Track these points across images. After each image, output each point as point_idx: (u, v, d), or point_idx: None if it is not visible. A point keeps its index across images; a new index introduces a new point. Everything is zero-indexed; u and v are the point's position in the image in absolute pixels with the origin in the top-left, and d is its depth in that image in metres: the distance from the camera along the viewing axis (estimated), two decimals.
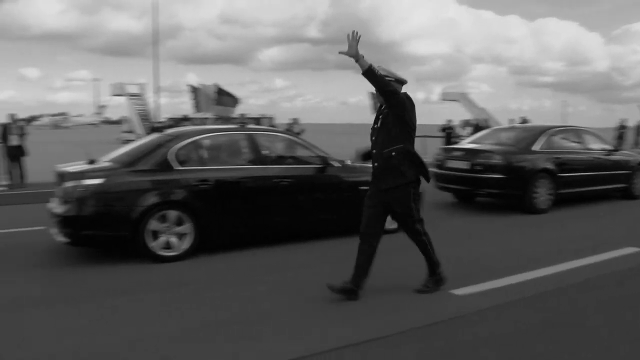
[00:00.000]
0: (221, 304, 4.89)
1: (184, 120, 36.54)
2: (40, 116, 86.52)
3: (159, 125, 24.50)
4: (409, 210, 4.94)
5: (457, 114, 56.43)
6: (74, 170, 6.39)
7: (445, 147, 11.95)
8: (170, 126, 18.33)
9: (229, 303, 4.89)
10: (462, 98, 46.37)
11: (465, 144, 11.41)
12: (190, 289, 5.33)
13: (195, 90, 24.62)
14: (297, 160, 7.55)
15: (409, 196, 4.92)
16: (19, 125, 14.02)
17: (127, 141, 34.24)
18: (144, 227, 6.08)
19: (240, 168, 6.95)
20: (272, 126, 25.69)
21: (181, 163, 6.48)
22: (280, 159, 7.50)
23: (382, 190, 4.89)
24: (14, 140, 13.68)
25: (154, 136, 7.39)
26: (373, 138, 4.99)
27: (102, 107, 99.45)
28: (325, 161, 7.30)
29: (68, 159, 7.73)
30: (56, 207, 6.36)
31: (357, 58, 4.52)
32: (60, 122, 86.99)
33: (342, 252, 6.06)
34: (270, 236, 7.03)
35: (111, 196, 6.14)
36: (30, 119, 17.90)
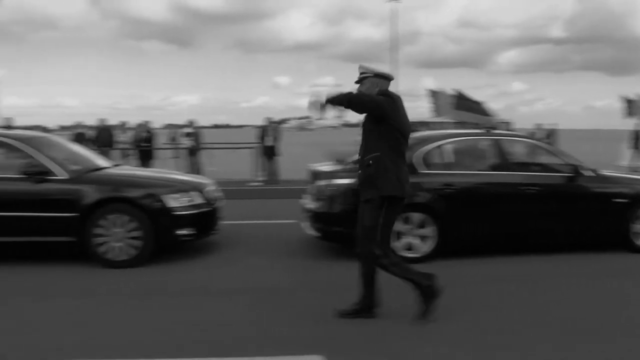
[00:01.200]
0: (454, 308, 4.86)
1: (419, 124, 36.92)
2: (289, 119, 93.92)
3: None
4: (372, 230, 4.38)
5: None
6: (326, 170, 6.83)
7: None
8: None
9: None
10: None
11: None
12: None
13: (434, 94, 24.66)
14: (545, 167, 7.18)
15: (378, 215, 4.36)
16: (274, 128, 15.41)
17: None
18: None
19: (485, 174, 6.84)
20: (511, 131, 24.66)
21: (426, 166, 6.57)
22: (526, 166, 7.22)
23: (362, 202, 4.46)
24: (269, 141, 15.07)
25: None
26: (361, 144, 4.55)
27: (343, 110, 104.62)
28: (575, 169, 6.83)
29: (313, 160, 8.31)
30: (309, 203, 6.87)
31: (324, 105, 4.34)
32: (305, 125, 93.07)
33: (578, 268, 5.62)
34: (510, 245, 6.78)
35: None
36: (281, 122, 19.71)
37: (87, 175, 6.48)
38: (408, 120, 4.54)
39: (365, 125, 4.50)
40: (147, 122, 15.71)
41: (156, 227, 6.20)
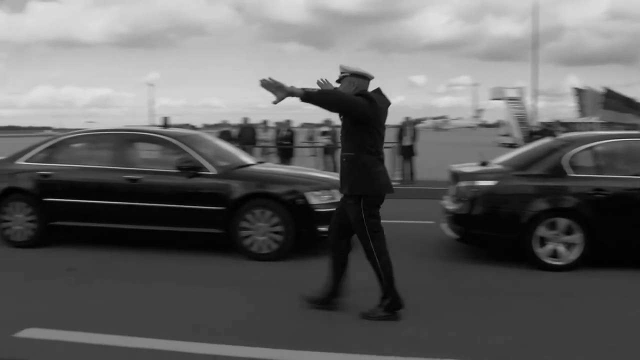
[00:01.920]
0: (601, 322, 4.55)
1: (560, 125, 35.02)
2: (424, 119, 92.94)
3: (536, 129, 23.83)
4: (361, 226, 4.46)
5: None
6: (467, 171, 6.68)
7: None
8: (548, 132, 17.63)
9: (612, 323, 4.53)
10: None
11: None
12: (574, 301, 5.09)
13: (580, 93, 23.23)
14: None
15: (359, 210, 4.42)
16: (413, 128, 15.31)
17: (504, 145, 34.44)
18: (532, 233, 6.02)
19: None
20: None
21: (575, 170, 6.21)
22: None
23: (343, 196, 4.60)
24: (407, 141, 15.00)
25: (547, 140, 7.24)
26: None
27: (480, 110, 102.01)
28: None
29: (450, 160, 8.14)
30: (449, 204, 6.76)
31: (291, 93, 4.10)
32: (440, 125, 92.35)
33: None
34: None
35: (502, 198, 6.26)
36: (416, 122, 19.52)
37: (234, 171, 6.84)
38: (385, 119, 4.58)
39: (344, 122, 4.51)
40: (288, 121, 16.21)
41: (297, 223, 6.41)
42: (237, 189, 6.50)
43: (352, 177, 4.45)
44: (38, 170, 7.23)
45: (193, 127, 22.96)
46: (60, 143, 7.56)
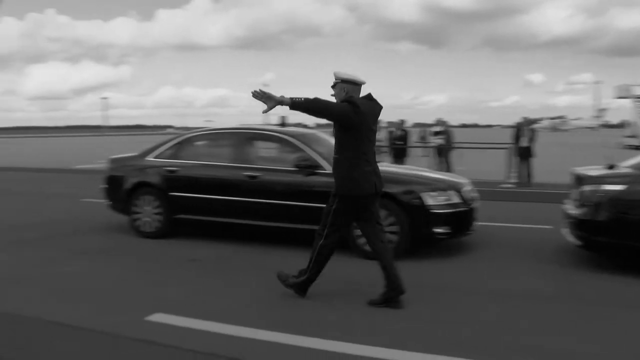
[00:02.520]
0: None
1: None
2: (541, 119, 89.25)
3: None
4: (331, 216, 4.85)
5: None
6: (593, 175, 6.34)
7: None
8: None
9: None
10: None
11: None
12: None
13: None
14: None
15: (339, 207, 4.80)
16: (530, 128, 14.73)
17: (630, 147, 32.32)
18: None
19: None
20: None
21: None
22: None
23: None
24: (524, 142, 14.45)
25: None
26: None
27: (602, 110, 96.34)
28: None
29: (570, 162, 7.75)
30: (571, 209, 6.44)
31: (280, 102, 4.41)
32: (558, 125, 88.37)
33: None
34: None
35: (631, 204, 5.88)
36: (533, 122, 18.64)
37: None
38: (375, 122, 4.88)
39: (333, 126, 4.80)
40: (402, 120, 16.11)
41: (413, 223, 6.36)
42: None
43: (339, 177, 4.80)
44: (165, 166, 7.68)
45: (305, 127, 23.41)
46: (185, 141, 7.98)
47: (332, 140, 8.13)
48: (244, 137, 7.54)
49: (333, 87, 4.87)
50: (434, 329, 4.30)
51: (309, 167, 6.76)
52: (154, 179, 7.70)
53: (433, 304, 4.93)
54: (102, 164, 10.59)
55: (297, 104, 4.49)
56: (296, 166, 6.82)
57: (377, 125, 5.10)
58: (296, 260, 6.40)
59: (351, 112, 4.61)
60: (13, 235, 8.08)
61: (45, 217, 9.71)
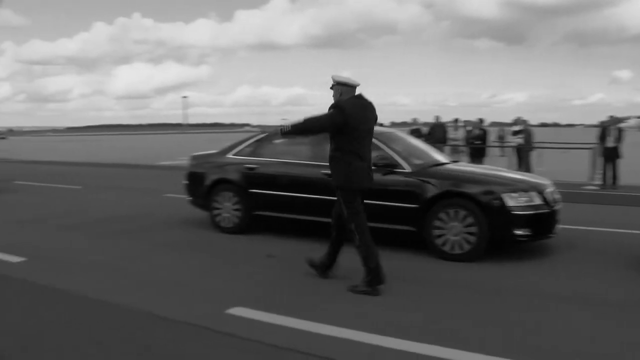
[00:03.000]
0: None
1: None
2: (628, 118, 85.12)
3: None
4: (342, 210, 5.26)
5: None
6: None
7: None
8: None
9: None
10: None
11: None
12: None
13: None
14: None
15: (339, 200, 5.27)
16: (617, 128, 14.12)
17: None
18: None
19: None
20: None
21: None
22: None
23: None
24: (610, 142, 13.87)
25: None
26: None
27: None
28: None
29: None
30: None
31: (286, 129, 5.17)
32: None
33: None
34: None
35: None
36: (620, 121, 17.71)
37: (428, 169, 6.83)
38: (367, 120, 5.25)
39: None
40: (480, 119, 15.79)
41: (492, 225, 6.22)
42: (432, 187, 6.49)
43: (333, 172, 5.26)
44: (244, 164, 7.85)
45: (380, 125, 23.34)
46: (264, 139, 8.13)
47: (411, 140, 8.16)
48: (322, 135, 7.57)
49: (331, 88, 5.33)
50: (514, 334, 4.21)
51: (387, 166, 6.74)
52: (233, 175, 7.90)
53: (511, 308, 4.81)
54: (183, 161, 10.96)
55: (288, 133, 5.28)
56: (374, 164, 6.80)
57: (373, 122, 5.43)
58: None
59: (338, 116, 5.04)
60: (101, 228, 8.48)
61: (131, 211, 10.13)
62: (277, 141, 8.16)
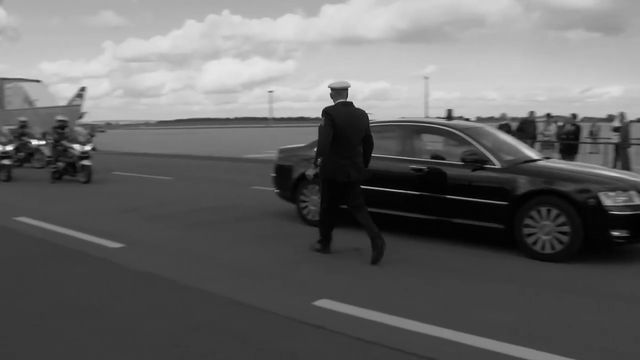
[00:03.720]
0: None
1: None
2: None
3: None
4: (323, 197, 6.45)
5: None
6: None
7: None
8: None
9: None
10: None
11: None
12: None
13: None
14: None
15: (322, 186, 6.42)
16: None
17: None
18: None
19: None
20: None
21: None
22: None
23: None
24: None
25: None
26: None
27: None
28: None
29: None
30: None
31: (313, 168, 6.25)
32: None
33: None
34: None
35: None
36: None
37: (519, 166, 6.63)
38: (355, 124, 6.14)
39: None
40: (574, 115, 15.18)
41: (587, 225, 5.96)
42: (523, 184, 6.30)
43: (321, 166, 6.14)
44: None
45: (466, 120, 22.94)
46: None
47: (501, 135, 7.94)
48: (411, 130, 7.53)
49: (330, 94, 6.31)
50: (612, 339, 4.04)
51: (476, 162, 6.61)
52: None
53: (605, 311, 4.62)
54: (269, 154, 11.17)
55: (316, 162, 6.17)
56: (463, 160, 6.69)
57: (365, 131, 6.26)
58: (463, 255, 6.38)
59: (329, 127, 6.00)
60: (192, 218, 8.81)
61: (219, 203, 10.46)
62: None
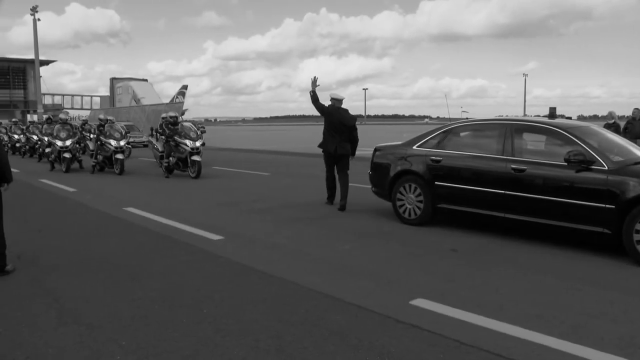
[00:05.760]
0: None
1: None
2: None
3: None
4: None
5: None
6: None
7: None
8: None
9: None
10: None
11: None
12: None
13: None
14: None
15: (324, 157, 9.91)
16: None
17: None
18: None
19: None
20: None
21: None
22: None
23: None
24: None
25: None
26: None
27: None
28: None
29: None
30: None
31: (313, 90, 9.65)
32: None
33: None
34: None
35: None
36: None
37: (630, 167, 6.25)
38: (340, 119, 9.45)
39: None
40: None
41: None
42: (633, 187, 5.95)
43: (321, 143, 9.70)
44: (429, 156, 7.82)
45: (569, 118, 21.92)
46: (450, 131, 8.02)
47: (609, 135, 7.52)
48: (512, 129, 7.24)
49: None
50: None
51: (582, 162, 6.31)
52: (418, 167, 7.91)
53: None
54: (364, 151, 11.19)
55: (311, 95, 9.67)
56: (567, 160, 6.41)
57: (350, 121, 9.51)
58: (563, 258, 6.12)
59: (321, 110, 9.61)
60: (286, 213, 9.00)
61: (313, 198, 10.62)
62: (464, 134, 8.02)
